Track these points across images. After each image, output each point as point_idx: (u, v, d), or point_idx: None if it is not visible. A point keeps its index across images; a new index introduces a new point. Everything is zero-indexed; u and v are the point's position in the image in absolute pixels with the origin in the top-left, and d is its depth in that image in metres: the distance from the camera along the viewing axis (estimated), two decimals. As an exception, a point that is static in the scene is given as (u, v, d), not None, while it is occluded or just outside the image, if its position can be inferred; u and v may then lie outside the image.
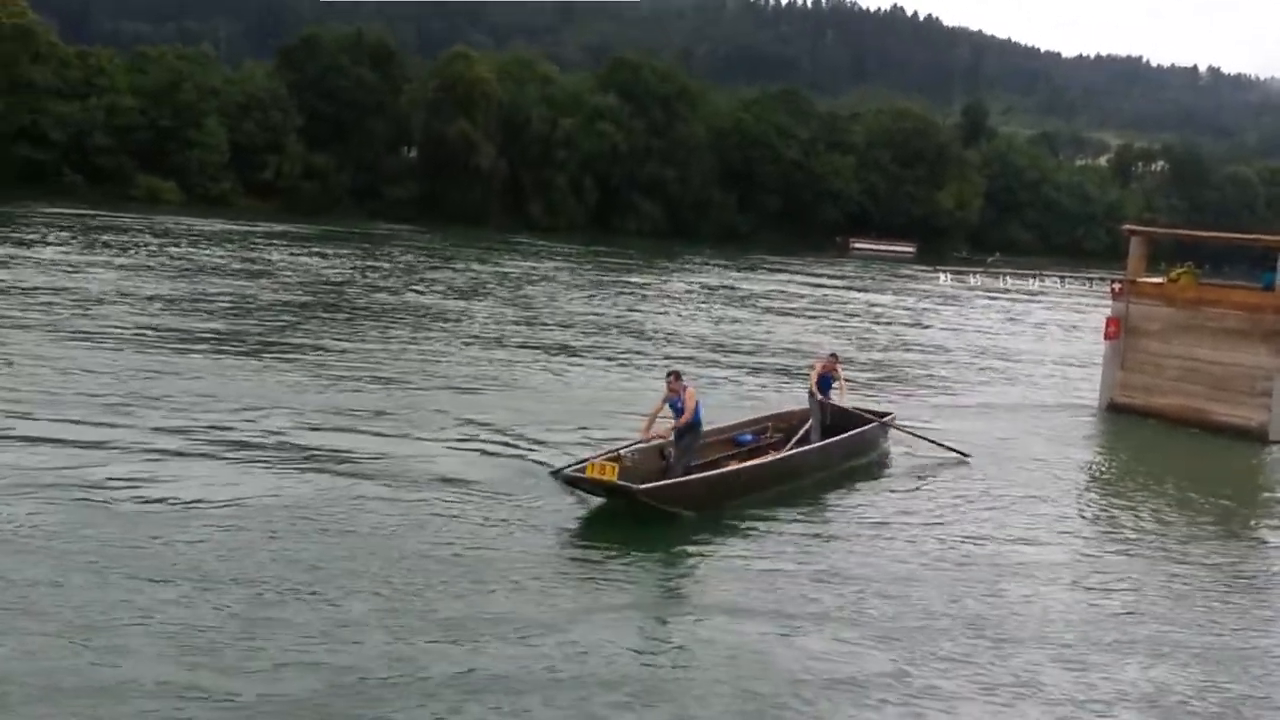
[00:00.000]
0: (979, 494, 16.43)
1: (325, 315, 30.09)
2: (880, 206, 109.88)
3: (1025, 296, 64.41)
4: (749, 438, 17.35)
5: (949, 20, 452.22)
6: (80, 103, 75.60)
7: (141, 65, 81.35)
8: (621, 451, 14.43)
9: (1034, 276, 79.08)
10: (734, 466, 15.34)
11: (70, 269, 35.19)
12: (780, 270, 66.65)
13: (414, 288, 39.16)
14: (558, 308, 36.28)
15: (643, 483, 13.51)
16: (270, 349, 23.77)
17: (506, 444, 16.82)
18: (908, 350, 33.39)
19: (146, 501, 12.64)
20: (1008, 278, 76.14)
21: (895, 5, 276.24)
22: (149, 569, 10.60)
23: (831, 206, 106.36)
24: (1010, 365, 31.84)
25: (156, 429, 15.72)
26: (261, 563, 11.02)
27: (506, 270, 49.90)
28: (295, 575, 10.78)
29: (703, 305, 41.56)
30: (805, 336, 33.84)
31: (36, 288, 29.94)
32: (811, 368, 18.87)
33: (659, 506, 13.34)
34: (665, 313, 37.64)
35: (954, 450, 17.89)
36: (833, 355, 18.70)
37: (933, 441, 17.85)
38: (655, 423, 15.07)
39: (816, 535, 14.05)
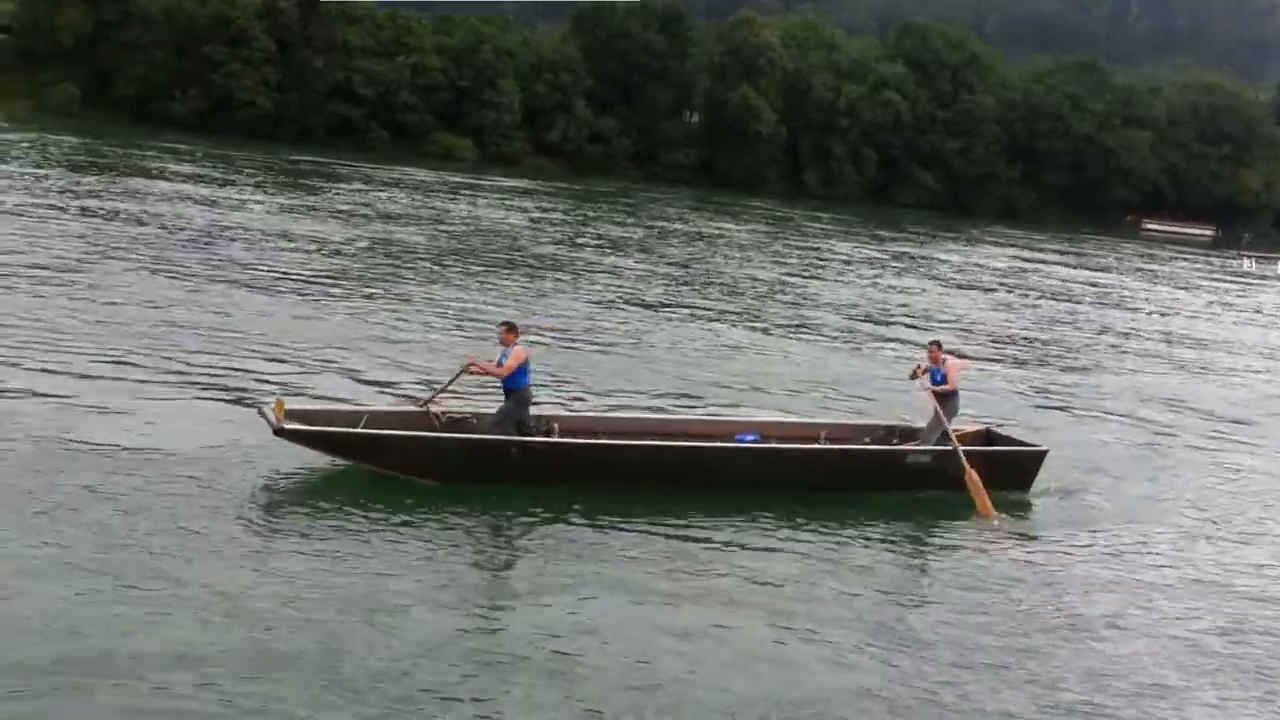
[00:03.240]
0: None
1: (478, 265, 29.49)
2: (1177, 186, 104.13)
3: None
4: (750, 438, 13.65)
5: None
6: (390, 62, 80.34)
7: (446, 28, 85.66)
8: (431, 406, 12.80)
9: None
10: (474, 435, 12.41)
11: (264, 211, 35.60)
12: (1049, 249, 63.81)
13: (594, 244, 37.89)
14: (728, 270, 34.66)
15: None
16: (377, 292, 23.38)
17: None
18: (1174, 342, 30.46)
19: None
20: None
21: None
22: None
23: (1123, 185, 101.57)
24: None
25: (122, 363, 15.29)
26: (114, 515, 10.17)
27: (716, 232, 48.44)
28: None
29: (902, 278, 38.73)
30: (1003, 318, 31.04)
31: (212, 224, 30.59)
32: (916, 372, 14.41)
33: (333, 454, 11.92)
34: (843, 281, 35.80)
35: (987, 515, 12.86)
36: (934, 343, 14.46)
37: (982, 505, 12.95)
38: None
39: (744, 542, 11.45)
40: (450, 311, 22.11)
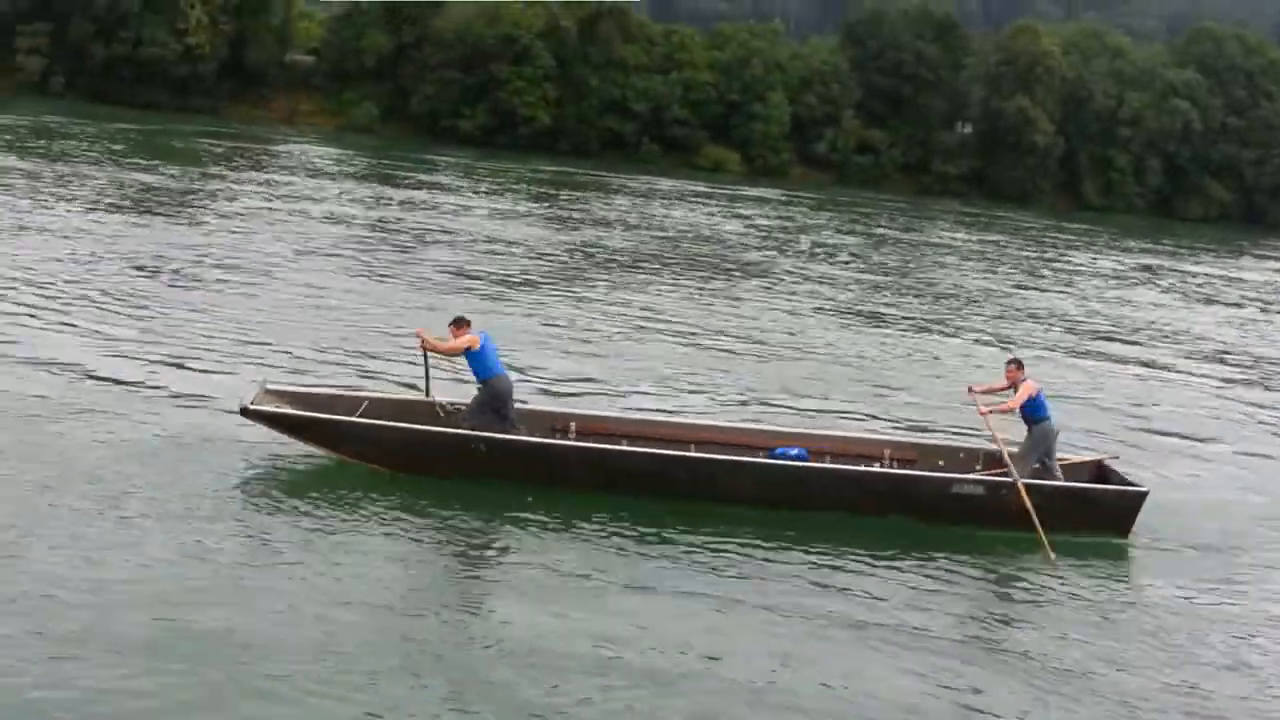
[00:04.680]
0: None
1: (676, 269, 29.69)
2: None
3: None
4: (793, 452, 12.50)
5: None
6: (662, 78, 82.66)
7: (719, 42, 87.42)
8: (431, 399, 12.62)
9: None
10: (425, 427, 11.96)
11: (483, 216, 36.89)
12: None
13: (809, 252, 37.22)
14: (944, 280, 33.60)
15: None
16: (563, 291, 24.03)
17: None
18: None
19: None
20: None
21: None
22: None
23: None
24: None
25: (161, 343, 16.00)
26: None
27: (950, 243, 47.10)
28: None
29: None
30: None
31: (429, 228, 31.99)
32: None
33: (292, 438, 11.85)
34: (1066, 292, 34.17)
35: (1047, 546, 11.47)
36: (1013, 362, 12.97)
37: (1037, 528, 11.55)
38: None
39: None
40: (630, 312, 22.35)
